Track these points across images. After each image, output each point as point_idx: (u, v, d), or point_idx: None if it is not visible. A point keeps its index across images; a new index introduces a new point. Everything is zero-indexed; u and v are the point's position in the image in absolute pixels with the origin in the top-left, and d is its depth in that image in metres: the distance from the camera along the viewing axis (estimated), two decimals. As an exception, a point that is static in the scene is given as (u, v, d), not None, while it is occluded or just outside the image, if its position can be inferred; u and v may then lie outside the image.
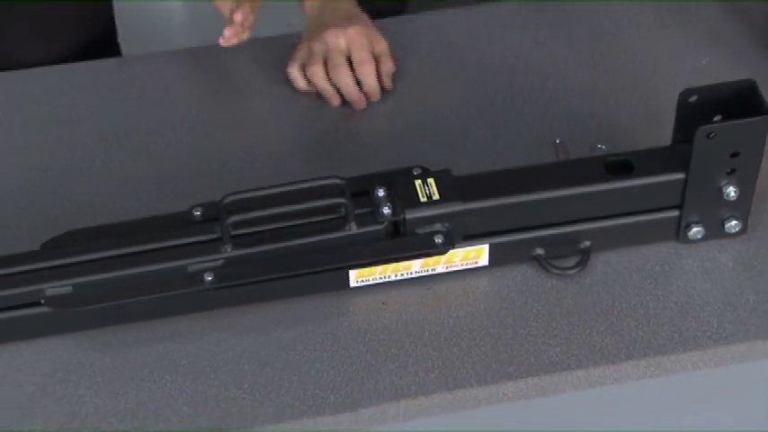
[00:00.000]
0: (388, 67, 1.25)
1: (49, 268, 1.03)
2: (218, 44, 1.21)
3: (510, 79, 1.28)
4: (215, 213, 1.04)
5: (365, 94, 1.24)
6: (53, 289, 1.02)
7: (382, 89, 1.25)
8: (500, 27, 1.35)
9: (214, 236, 1.04)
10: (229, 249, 1.03)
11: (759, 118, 1.02)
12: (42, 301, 1.02)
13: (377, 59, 1.25)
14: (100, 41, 1.46)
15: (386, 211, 1.04)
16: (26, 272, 1.03)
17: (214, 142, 1.24)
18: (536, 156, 1.15)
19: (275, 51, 1.33)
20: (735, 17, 1.34)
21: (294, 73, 1.25)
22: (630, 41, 1.33)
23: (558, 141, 1.19)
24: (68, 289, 1.02)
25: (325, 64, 1.24)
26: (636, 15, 1.36)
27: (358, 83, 1.24)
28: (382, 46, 1.26)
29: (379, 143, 1.22)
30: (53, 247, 1.05)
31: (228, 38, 1.18)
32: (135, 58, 1.38)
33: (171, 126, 1.26)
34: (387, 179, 1.06)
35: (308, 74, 1.24)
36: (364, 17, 1.28)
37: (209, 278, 1.02)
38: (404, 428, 1.03)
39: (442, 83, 1.29)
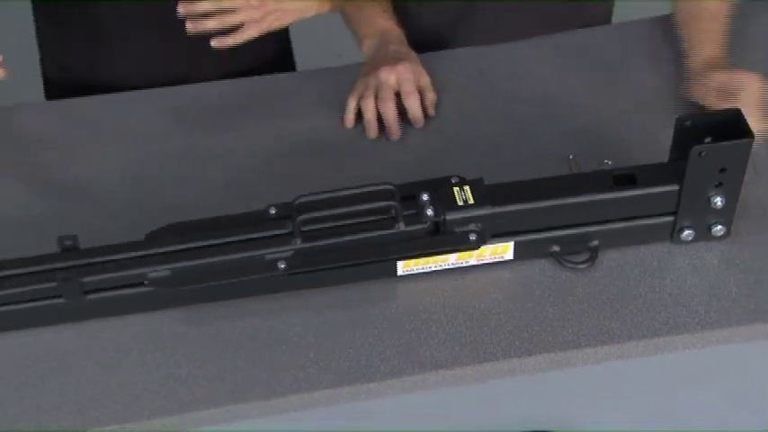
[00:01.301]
0: (431, 97, 1.26)
1: (152, 255, 1.04)
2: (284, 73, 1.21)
3: (531, 105, 1.28)
4: (287, 212, 1.05)
5: (411, 121, 1.25)
6: (155, 272, 1.03)
7: (426, 116, 1.26)
8: (522, 61, 1.33)
9: (286, 231, 1.04)
10: (299, 242, 1.04)
11: (743, 140, 1.02)
12: (146, 282, 1.03)
13: (421, 91, 1.26)
14: (274, 59, 1.43)
15: (429, 212, 1.04)
16: (133, 258, 1.04)
17: (281, 152, 1.24)
18: (553, 169, 1.14)
19: (329, 79, 1.33)
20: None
21: (351, 104, 1.26)
22: (632, 73, 1.31)
23: (571, 157, 1.18)
24: (168, 272, 1.03)
25: (377, 96, 1.24)
26: (636, 52, 1.34)
27: (404, 113, 1.25)
28: (426, 80, 1.27)
29: (424, 156, 1.23)
30: (155, 237, 1.06)
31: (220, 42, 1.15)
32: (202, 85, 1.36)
33: (242, 140, 1.26)
34: (430, 186, 1.07)
35: (362, 105, 1.24)
36: (412, 55, 1.28)
37: (282, 266, 1.03)
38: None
39: (474, 108, 1.29)
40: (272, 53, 1.43)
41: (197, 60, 1.36)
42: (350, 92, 1.27)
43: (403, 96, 1.25)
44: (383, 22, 1.31)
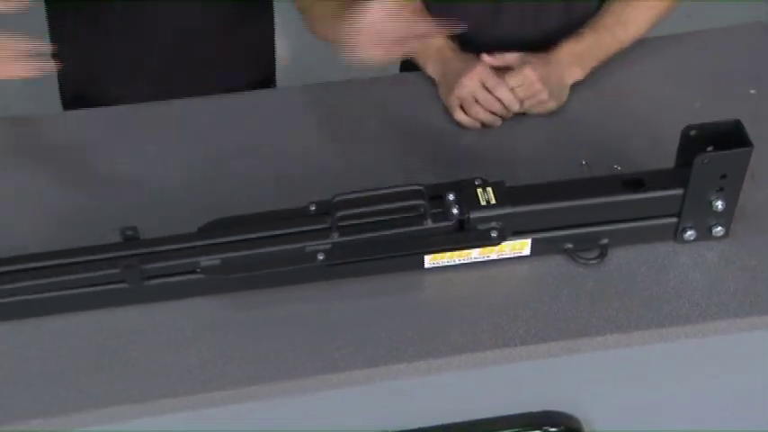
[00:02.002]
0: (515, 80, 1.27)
1: (205, 246, 1.07)
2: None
3: (549, 116, 1.29)
4: (326, 209, 1.07)
5: (507, 109, 1.27)
6: (206, 261, 1.06)
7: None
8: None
9: (325, 225, 1.07)
10: (336, 236, 1.06)
11: (743, 149, 1.04)
12: (198, 270, 1.06)
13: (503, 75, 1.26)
14: (259, 77, 1.43)
15: (454, 211, 1.06)
16: (187, 248, 1.06)
17: (319, 154, 1.26)
18: (567, 173, 1.16)
19: (362, 90, 1.35)
20: (722, 72, 1.34)
21: (462, 118, 1.27)
22: (641, 88, 1.33)
23: (584, 162, 1.20)
24: (218, 261, 1.05)
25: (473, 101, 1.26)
26: (644, 70, 1.35)
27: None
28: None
29: (450, 160, 1.24)
30: (207, 229, 1.09)
31: None
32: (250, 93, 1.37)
33: (284, 143, 1.28)
34: (455, 187, 1.09)
35: (472, 115, 1.26)
36: (473, 56, 1.29)
37: (321, 257, 1.06)
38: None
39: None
40: (257, 77, 1.45)
41: (181, 82, 1.37)
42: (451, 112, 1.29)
43: (492, 90, 1.25)
44: (434, 40, 1.30)
